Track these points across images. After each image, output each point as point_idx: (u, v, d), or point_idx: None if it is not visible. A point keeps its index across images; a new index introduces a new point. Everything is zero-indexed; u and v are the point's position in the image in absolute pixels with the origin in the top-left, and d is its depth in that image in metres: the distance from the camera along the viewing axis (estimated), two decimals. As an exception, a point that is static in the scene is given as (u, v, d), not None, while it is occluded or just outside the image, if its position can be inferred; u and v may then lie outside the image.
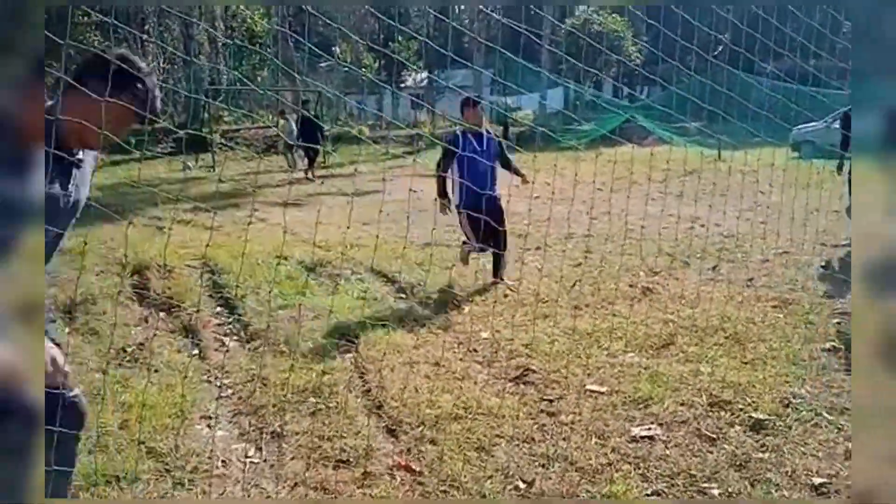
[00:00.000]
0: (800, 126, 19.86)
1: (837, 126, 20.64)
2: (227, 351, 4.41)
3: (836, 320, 4.74)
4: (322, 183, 14.56)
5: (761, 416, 3.25)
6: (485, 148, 5.77)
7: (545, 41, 26.44)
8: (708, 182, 11.04)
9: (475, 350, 4.32)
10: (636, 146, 16.72)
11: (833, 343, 4.23)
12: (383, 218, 8.93)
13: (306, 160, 16.27)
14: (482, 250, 5.83)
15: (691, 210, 8.24)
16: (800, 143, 19.82)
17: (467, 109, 5.91)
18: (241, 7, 26.68)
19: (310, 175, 15.42)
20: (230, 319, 5.01)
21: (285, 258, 6.36)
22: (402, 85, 35.34)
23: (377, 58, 30.45)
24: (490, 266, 6.06)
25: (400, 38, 30.82)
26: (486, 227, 5.03)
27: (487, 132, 5.94)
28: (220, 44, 26.83)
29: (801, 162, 17.03)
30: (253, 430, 3.26)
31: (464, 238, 6.17)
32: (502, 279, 5.84)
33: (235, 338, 4.66)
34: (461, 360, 4.14)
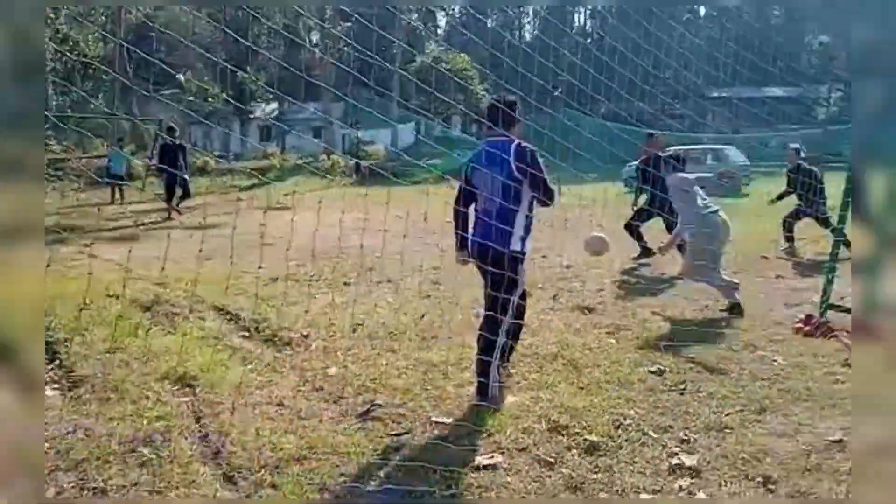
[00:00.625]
0: (630, 163, 21.44)
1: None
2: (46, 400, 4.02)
3: (662, 343, 5.10)
4: (160, 220, 13.83)
5: (595, 439, 3.42)
6: None
7: (395, 78, 26.94)
8: (548, 215, 11.57)
9: (322, 388, 4.23)
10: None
11: (658, 366, 4.55)
12: (228, 252, 8.63)
13: (169, 193, 14.25)
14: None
15: (533, 241, 8.60)
16: (630, 178, 21.38)
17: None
18: (73, 30, 25.03)
19: (176, 208, 13.85)
20: (51, 366, 4.58)
21: (117, 297, 5.95)
22: (251, 116, 34.56)
23: (224, 88, 29.59)
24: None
25: (249, 69, 30.20)
26: None
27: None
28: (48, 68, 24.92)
29: (632, 196, 18.41)
30: (72, 487, 2.98)
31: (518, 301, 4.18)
32: None
33: (55, 386, 4.26)
34: (307, 398, 4.03)
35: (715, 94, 39.47)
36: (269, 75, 30.55)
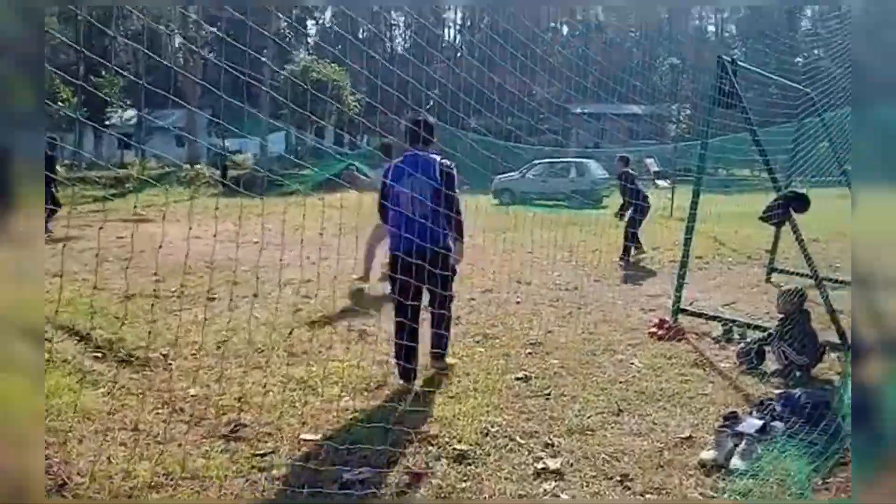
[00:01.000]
0: (500, 176, 22.12)
1: (530, 177, 23.37)
2: None
3: (528, 350, 5.26)
4: None
5: (464, 448, 3.46)
6: None
7: (265, 86, 26.28)
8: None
9: (182, 409, 4.01)
10: (357, 192, 17.23)
11: (525, 372, 4.68)
12: (78, 268, 8.04)
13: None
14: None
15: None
16: (500, 190, 22.02)
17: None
18: None
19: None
20: None
21: None
22: (107, 123, 32.52)
23: (76, 92, 27.65)
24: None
25: (104, 73, 28.43)
26: None
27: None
28: None
29: (502, 208, 18.97)
30: None
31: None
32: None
33: None
34: (164, 421, 3.81)
35: (578, 111, 41.45)
36: (126, 80, 28.84)
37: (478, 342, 5.52)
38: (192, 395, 4.22)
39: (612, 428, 3.77)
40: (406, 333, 4.25)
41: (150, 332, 5.19)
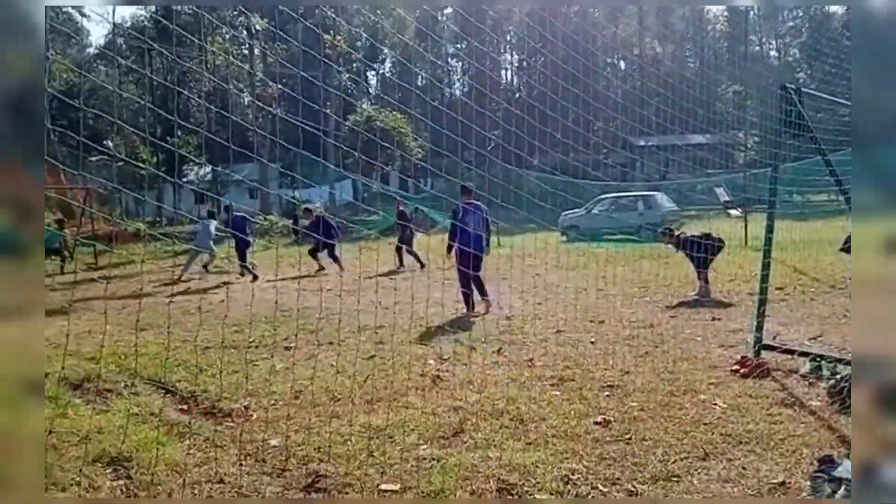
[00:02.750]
0: (566, 212, 22.01)
1: (597, 212, 23.12)
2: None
3: (605, 393, 5.15)
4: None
5: (545, 497, 3.39)
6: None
7: (330, 136, 27.09)
8: (490, 266, 11.65)
9: (264, 460, 4.08)
10: (425, 235, 17.42)
11: (603, 416, 4.57)
12: (164, 321, 8.37)
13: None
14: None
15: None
16: (567, 227, 21.84)
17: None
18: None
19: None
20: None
21: (46, 375, 5.66)
22: (185, 179, 34.08)
23: (154, 152, 29.12)
24: None
25: (179, 132, 29.88)
26: None
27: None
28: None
29: (569, 245, 18.82)
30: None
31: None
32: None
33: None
34: (248, 473, 3.88)
35: (642, 143, 41.02)
36: (200, 138, 30.25)
37: (553, 385, 5.44)
38: (273, 446, 4.29)
39: (698, 474, 3.63)
40: (465, 286, 8.57)
41: (232, 384, 5.33)
